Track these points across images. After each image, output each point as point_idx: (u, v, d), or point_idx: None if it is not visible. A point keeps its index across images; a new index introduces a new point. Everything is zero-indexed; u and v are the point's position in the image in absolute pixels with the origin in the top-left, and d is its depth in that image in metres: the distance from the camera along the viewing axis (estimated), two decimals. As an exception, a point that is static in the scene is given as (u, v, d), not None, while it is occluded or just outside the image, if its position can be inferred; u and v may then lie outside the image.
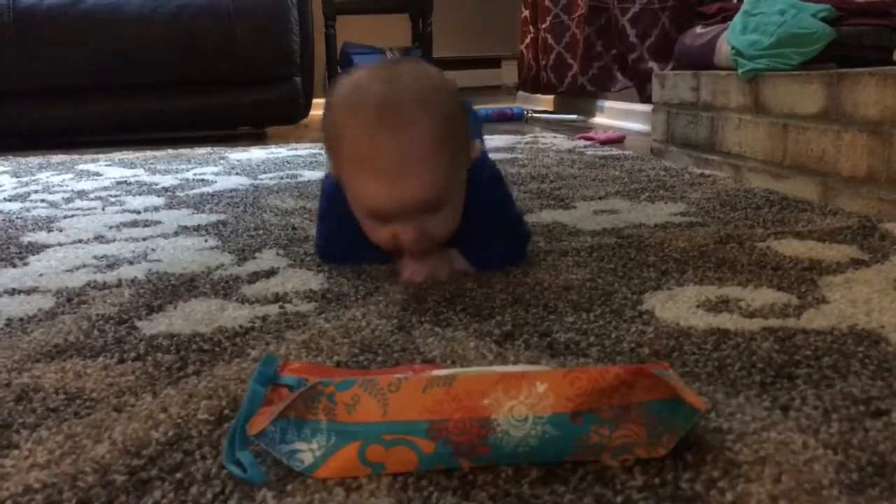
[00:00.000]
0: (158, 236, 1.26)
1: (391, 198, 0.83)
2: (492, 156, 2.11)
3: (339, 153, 0.86)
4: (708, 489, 0.48)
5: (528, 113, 3.53)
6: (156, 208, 1.51)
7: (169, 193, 1.69)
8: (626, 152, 2.11)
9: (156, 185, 1.82)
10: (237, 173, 1.97)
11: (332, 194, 0.98)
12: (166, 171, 2.04)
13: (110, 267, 1.07)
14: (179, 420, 0.59)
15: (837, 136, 1.30)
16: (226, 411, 0.61)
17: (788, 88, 1.44)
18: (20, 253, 1.17)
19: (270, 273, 1.00)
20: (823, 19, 1.42)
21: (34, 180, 1.96)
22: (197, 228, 1.31)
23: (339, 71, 3.47)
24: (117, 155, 2.44)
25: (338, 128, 0.84)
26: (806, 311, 0.79)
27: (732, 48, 1.59)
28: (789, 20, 1.45)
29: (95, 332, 0.80)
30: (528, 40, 3.79)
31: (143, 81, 2.86)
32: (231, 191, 1.70)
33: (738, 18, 1.60)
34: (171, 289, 0.95)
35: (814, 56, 1.43)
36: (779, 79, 1.47)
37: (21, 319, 0.85)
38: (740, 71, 1.55)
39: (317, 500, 0.48)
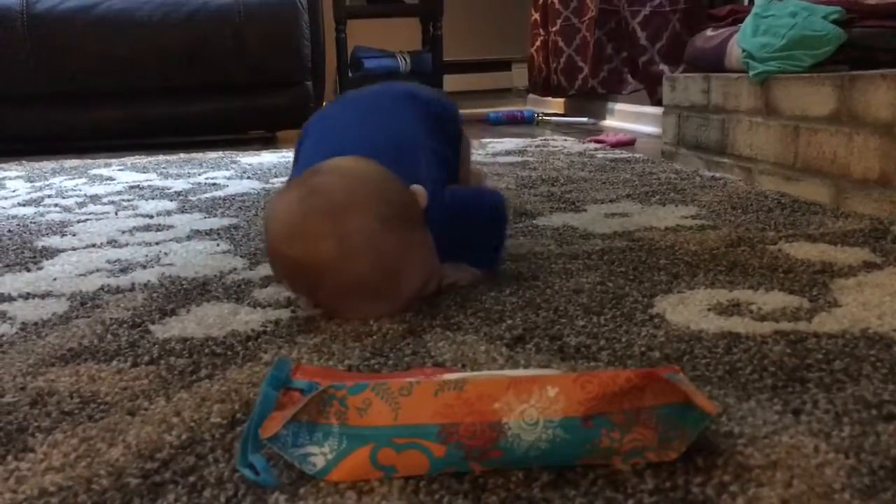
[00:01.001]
0: (171, 240, 1.27)
1: (391, 309, 0.82)
2: (502, 159, 2.12)
3: (306, 282, 0.82)
4: (719, 493, 0.48)
5: (538, 116, 3.53)
6: (168, 212, 1.52)
7: (181, 197, 1.70)
8: (637, 155, 2.10)
9: (168, 189, 1.83)
10: (249, 177, 1.98)
11: None
12: (178, 176, 2.05)
13: (123, 271, 1.08)
14: (192, 424, 0.60)
15: (849, 138, 1.30)
16: (238, 415, 0.61)
17: (800, 91, 1.43)
18: (34, 257, 1.18)
19: (282, 277, 1.01)
20: (834, 21, 1.41)
21: (48, 185, 1.97)
22: (209, 232, 1.32)
23: (350, 75, 3.49)
24: (130, 159, 2.46)
25: (300, 277, 0.81)
26: (817, 314, 0.79)
27: (743, 50, 1.59)
28: (800, 22, 1.45)
29: (109, 336, 0.81)
30: (538, 43, 3.79)
31: (155, 86, 2.88)
32: (243, 195, 1.70)
33: (748, 21, 1.60)
34: (183, 293, 0.96)
35: (825, 58, 1.42)
36: (790, 81, 1.47)
37: (36, 324, 0.86)
38: (751, 73, 1.55)
39: (329, 504, 0.49)
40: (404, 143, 0.96)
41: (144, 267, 1.10)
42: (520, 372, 0.63)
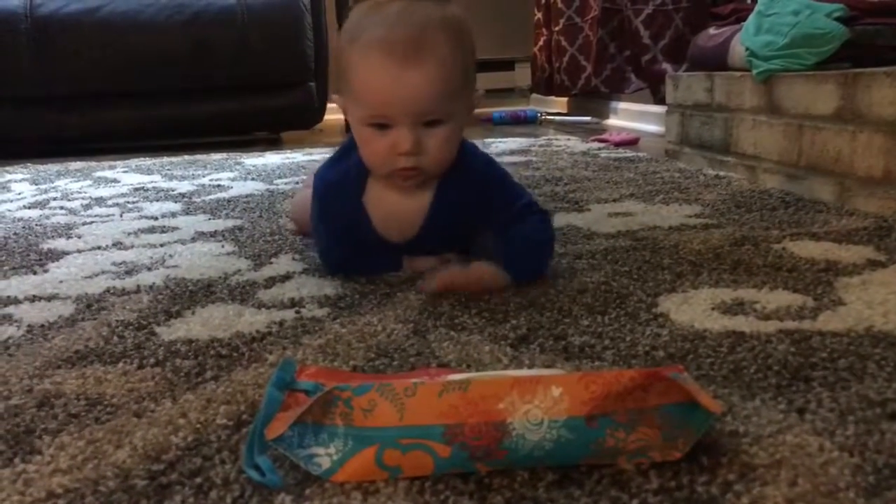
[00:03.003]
0: (176, 242, 1.27)
1: (398, 85, 0.85)
2: (506, 158, 2.13)
3: (351, 57, 0.88)
4: (723, 492, 0.48)
5: (541, 115, 3.53)
6: (173, 214, 1.53)
7: (186, 199, 1.70)
8: (641, 154, 2.10)
9: (172, 191, 1.83)
10: (253, 179, 1.98)
11: (325, 194, 0.99)
12: (183, 177, 2.06)
13: (129, 273, 1.08)
14: (198, 425, 0.60)
15: (853, 136, 1.30)
16: (244, 416, 0.61)
17: (803, 89, 1.43)
18: (40, 260, 1.18)
19: (286, 278, 1.01)
20: (838, 19, 1.41)
21: (53, 187, 1.98)
22: (214, 234, 1.32)
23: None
24: (134, 161, 2.47)
25: (352, 31, 0.88)
26: (822, 313, 0.79)
27: (746, 49, 1.59)
28: (803, 20, 1.45)
29: (115, 339, 0.81)
30: (541, 43, 3.79)
31: (159, 88, 2.89)
32: (247, 196, 1.71)
33: (751, 19, 1.60)
34: (188, 294, 0.96)
35: (828, 56, 1.42)
36: (793, 79, 1.46)
37: (42, 326, 0.86)
38: (754, 72, 1.55)
39: (335, 504, 0.49)
40: None
41: (150, 269, 1.10)
42: (524, 372, 0.63)
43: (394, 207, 0.96)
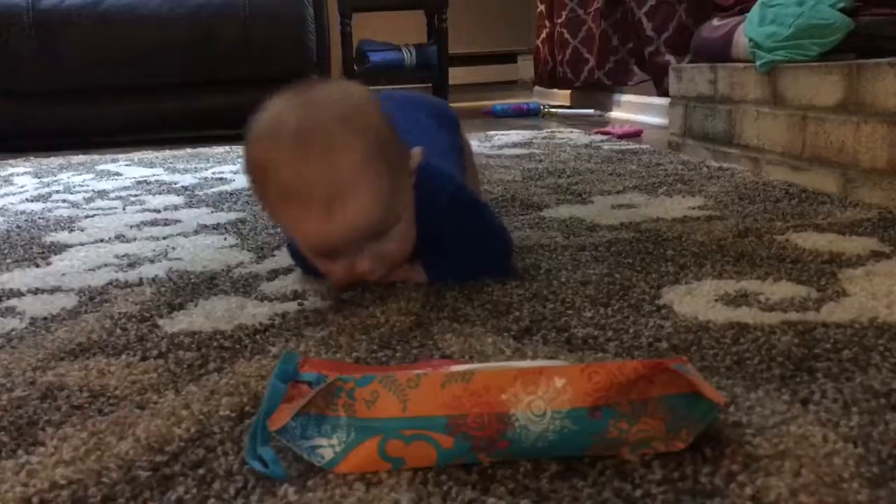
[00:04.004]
0: (178, 235, 1.27)
1: (329, 231, 0.77)
2: (508, 151, 2.12)
3: (265, 193, 0.80)
4: (727, 483, 0.48)
5: (544, 108, 3.52)
6: (175, 207, 1.53)
7: (188, 192, 1.70)
8: (644, 146, 2.10)
9: (175, 184, 1.83)
10: (255, 172, 1.98)
11: (291, 252, 0.98)
12: (185, 170, 2.06)
13: (131, 266, 1.08)
14: (201, 417, 0.60)
15: (857, 127, 1.29)
16: (247, 408, 0.61)
17: (807, 80, 1.43)
18: (43, 253, 1.18)
19: (289, 270, 1.01)
20: (842, 10, 1.40)
21: (55, 181, 1.98)
22: (216, 227, 1.32)
23: (356, 68, 3.48)
24: (137, 155, 2.46)
25: (259, 165, 0.79)
26: (826, 304, 0.79)
27: (750, 40, 1.58)
28: (807, 11, 1.44)
29: (118, 331, 0.81)
30: (543, 35, 3.78)
31: (161, 81, 2.88)
32: (249, 189, 1.70)
33: (755, 10, 1.59)
34: (191, 287, 0.96)
35: (832, 47, 1.42)
36: (797, 70, 1.46)
37: (45, 318, 0.86)
38: (758, 63, 1.54)
39: (337, 495, 0.49)
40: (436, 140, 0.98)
41: (152, 261, 1.10)
42: (527, 363, 0.63)
43: None
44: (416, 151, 0.86)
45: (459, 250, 0.90)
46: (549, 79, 3.78)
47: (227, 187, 1.75)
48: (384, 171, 0.78)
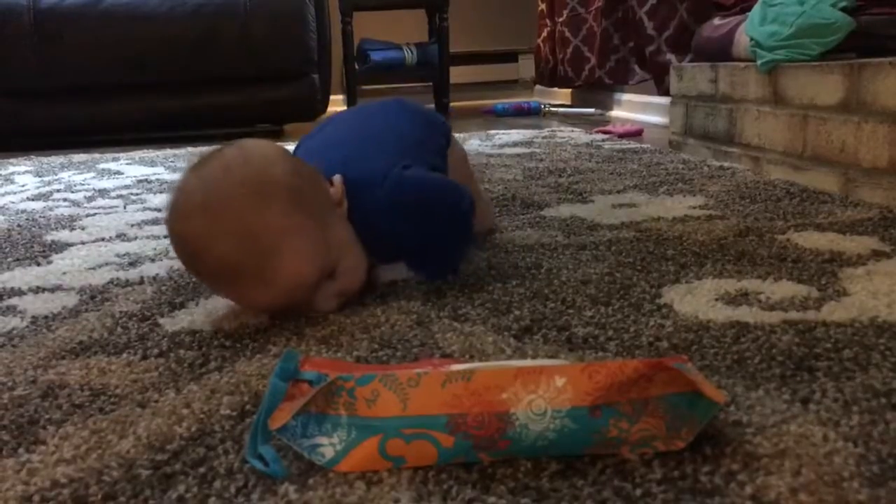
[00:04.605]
0: (179, 234, 1.27)
1: (271, 298, 0.77)
2: (509, 150, 2.12)
3: (197, 275, 0.81)
4: (727, 482, 0.48)
5: (545, 107, 3.52)
6: (176, 206, 1.53)
7: (189, 191, 1.70)
8: (645, 145, 2.10)
9: (176, 182, 1.83)
10: (256, 170, 1.98)
11: None
12: (186, 169, 2.06)
13: (132, 264, 1.08)
14: (202, 415, 0.60)
15: (858, 126, 1.29)
16: (247, 406, 0.61)
17: (808, 79, 1.43)
18: (44, 251, 1.19)
19: (290, 269, 1.01)
20: (843, 9, 1.40)
21: (56, 179, 1.98)
22: (217, 226, 1.32)
23: (357, 67, 3.48)
24: (138, 153, 2.47)
25: (181, 251, 0.78)
26: (826, 303, 0.79)
27: (751, 39, 1.58)
28: (808, 10, 1.44)
29: (119, 330, 0.81)
30: (544, 34, 3.78)
31: (163, 80, 2.89)
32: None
33: (756, 9, 1.59)
34: (192, 286, 0.96)
35: (834, 46, 1.42)
36: (798, 70, 1.46)
37: (46, 317, 0.87)
38: (759, 62, 1.54)
39: (338, 494, 0.49)
40: (383, 134, 0.96)
41: (153, 260, 1.10)
42: (527, 362, 0.63)
43: None
44: (336, 180, 0.86)
45: (428, 229, 0.87)
46: (549, 78, 3.77)
47: (227, 186, 1.75)
48: (304, 221, 0.77)
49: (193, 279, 0.98)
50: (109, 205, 1.58)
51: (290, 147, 0.97)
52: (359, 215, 0.86)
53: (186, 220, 0.76)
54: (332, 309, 0.82)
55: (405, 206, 0.86)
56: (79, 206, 1.58)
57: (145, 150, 2.53)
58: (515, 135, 2.54)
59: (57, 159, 2.40)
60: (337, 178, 0.86)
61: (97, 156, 2.47)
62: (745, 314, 0.77)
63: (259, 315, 0.82)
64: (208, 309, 0.87)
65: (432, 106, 3.57)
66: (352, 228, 0.85)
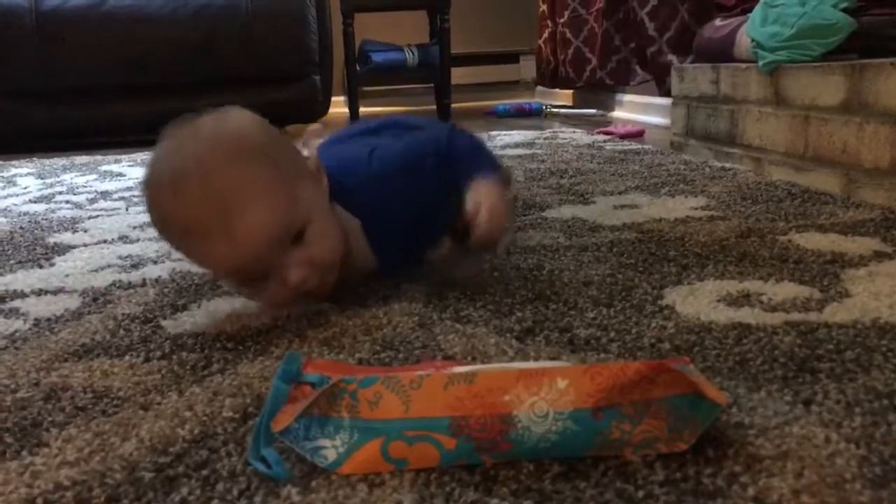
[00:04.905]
0: (181, 236, 1.27)
1: (237, 252, 0.74)
2: (510, 151, 2.12)
3: (168, 237, 0.79)
4: (730, 484, 0.48)
5: (546, 108, 3.52)
6: (178, 208, 1.53)
7: (191, 193, 1.70)
8: (646, 146, 2.10)
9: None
10: (258, 172, 1.98)
11: None
12: (188, 171, 2.06)
13: (135, 267, 1.08)
14: (205, 418, 0.60)
15: (859, 127, 1.29)
16: (250, 409, 0.61)
17: (809, 80, 1.43)
18: (46, 254, 1.19)
19: (292, 271, 1.01)
20: (844, 10, 1.40)
21: (58, 181, 1.98)
22: (219, 228, 1.32)
23: (358, 68, 3.48)
24: (140, 155, 2.47)
25: (153, 210, 0.78)
26: (828, 304, 0.79)
27: (752, 40, 1.58)
28: (810, 11, 1.44)
29: (121, 332, 0.81)
30: (546, 35, 3.78)
31: (165, 82, 2.89)
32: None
33: (757, 10, 1.59)
34: (194, 288, 0.96)
35: (835, 47, 1.42)
36: (800, 70, 1.46)
37: (48, 319, 0.87)
38: (760, 63, 1.54)
39: (340, 496, 0.49)
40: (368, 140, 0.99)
41: (155, 262, 1.10)
42: (530, 364, 0.63)
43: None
44: (312, 154, 0.87)
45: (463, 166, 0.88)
46: (551, 79, 3.78)
47: (229, 188, 1.75)
48: (270, 176, 0.77)
49: (195, 281, 0.99)
50: (111, 207, 1.58)
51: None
52: (346, 196, 0.86)
53: (158, 183, 0.76)
54: (304, 280, 0.78)
55: (381, 186, 0.87)
56: (81, 208, 1.59)
57: (147, 152, 2.52)
58: (517, 136, 2.54)
59: (59, 161, 2.41)
60: (312, 152, 0.87)
61: (99, 157, 2.47)
62: (747, 315, 0.77)
63: (234, 285, 0.82)
64: (210, 311, 0.87)
65: (433, 107, 3.58)
66: (329, 203, 0.85)
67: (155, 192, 0.77)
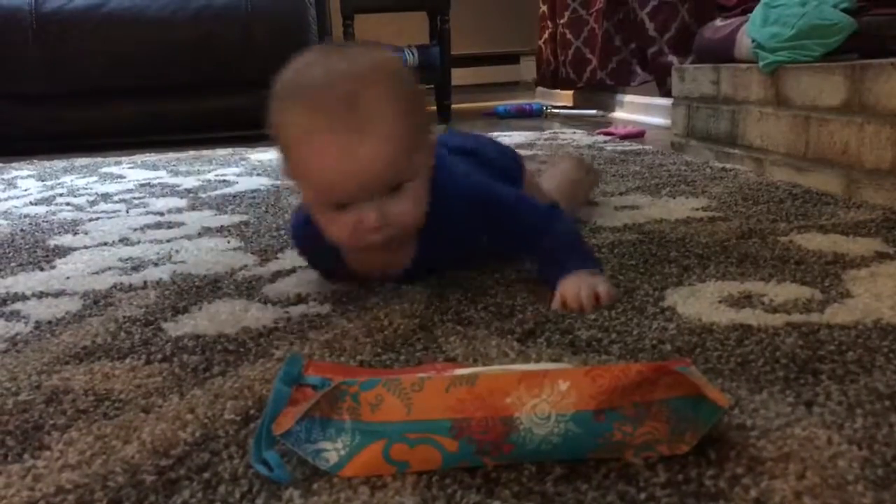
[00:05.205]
0: (182, 238, 1.27)
1: (348, 168, 0.76)
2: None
3: (287, 138, 0.80)
4: (732, 486, 0.48)
5: (547, 109, 3.52)
6: (179, 210, 1.53)
7: (192, 195, 1.70)
8: (647, 147, 2.10)
9: (178, 186, 1.84)
10: (258, 174, 1.99)
11: (302, 243, 0.97)
12: (188, 173, 2.06)
13: (136, 269, 1.08)
14: (206, 420, 0.60)
15: (860, 128, 1.29)
16: (252, 411, 0.61)
17: (810, 80, 1.43)
18: (47, 256, 1.19)
19: (292, 272, 1.01)
20: (845, 10, 1.40)
21: (59, 183, 1.98)
22: (220, 229, 1.32)
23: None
24: (140, 157, 2.47)
25: (284, 110, 0.80)
26: (830, 305, 0.79)
27: (753, 41, 1.58)
28: (810, 11, 1.44)
29: (122, 334, 0.81)
30: (546, 36, 3.78)
31: (164, 84, 2.89)
32: (253, 191, 1.71)
33: (758, 10, 1.59)
34: (195, 290, 0.96)
35: (835, 47, 1.41)
36: (800, 71, 1.46)
37: (49, 322, 0.87)
38: (761, 64, 1.54)
39: (342, 499, 0.49)
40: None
41: (156, 265, 1.10)
42: (531, 366, 0.63)
43: (375, 261, 0.90)
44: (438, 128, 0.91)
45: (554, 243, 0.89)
46: (551, 79, 3.77)
47: (230, 190, 1.75)
48: (406, 120, 0.79)
49: (196, 283, 0.99)
50: (112, 209, 1.58)
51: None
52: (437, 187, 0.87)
53: (302, 79, 0.80)
54: (377, 229, 0.79)
55: (476, 203, 0.89)
56: (81, 210, 1.59)
57: (147, 154, 2.53)
58: (517, 136, 2.53)
59: (59, 163, 2.41)
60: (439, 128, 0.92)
61: (99, 160, 2.47)
62: (749, 317, 0.77)
63: (319, 206, 0.82)
64: (211, 313, 0.87)
65: (433, 108, 3.57)
66: (430, 170, 0.86)
67: (297, 84, 0.80)
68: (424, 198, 0.84)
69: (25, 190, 1.91)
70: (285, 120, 0.80)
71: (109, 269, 1.10)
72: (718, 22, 1.86)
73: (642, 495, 0.48)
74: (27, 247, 1.26)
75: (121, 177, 2.06)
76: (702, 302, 0.82)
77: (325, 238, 0.85)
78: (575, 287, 0.82)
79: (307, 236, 0.91)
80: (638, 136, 2.44)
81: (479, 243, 0.92)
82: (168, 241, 1.26)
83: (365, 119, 0.76)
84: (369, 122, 0.76)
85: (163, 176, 2.03)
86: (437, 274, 0.94)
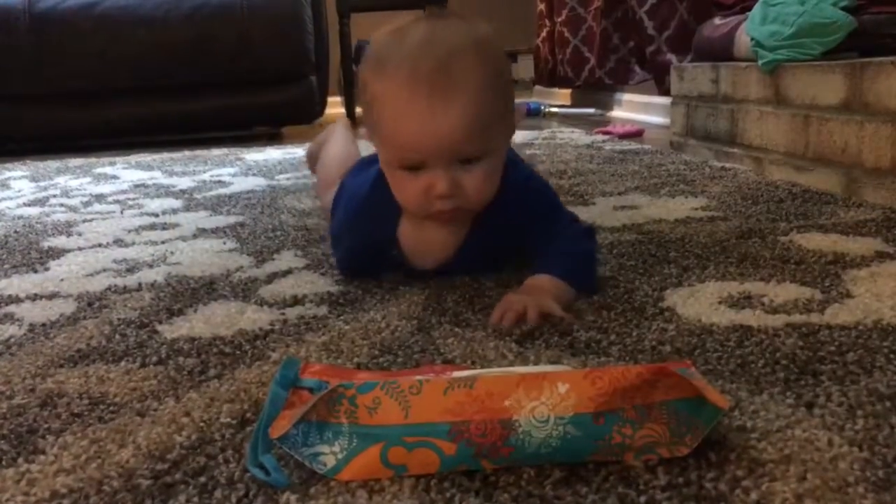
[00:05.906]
0: (177, 239, 1.27)
1: (431, 128, 0.78)
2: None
3: (374, 96, 0.82)
4: (732, 488, 0.48)
5: (545, 108, 3.51)
6: (174, 211, 1.52)
7: (186, 196, 1.69)
8: (645, 146, 2.09)
9: (173, 187, 1.83)
10: (254, 174, 1.98)
11: (357, 212, 0.94)
12: (183, 173, 2.05)
13: (130, 271, 1.08)
14: (202, 424, 0.60)
15: (860, 126, 1.29)
16: (248, 414, 0.61)
17: (810, 79, 1.42)
18: (41, 258, 1.18)
19: (288, 274, 1.01)
20: (844, 8, 1.40)
21: (52, 184, 1.98)
22: (215, 230, 1.31)
23: (354, 69, 3.47)
24: (134, 157, 2.46)
25: (376, 69, 0.81)
26: (830, 305, 0.78)
27: (752, 39, 1.58)
28: (809, 10, 1.44)
29: (117, 337, 0.81)
30: (544, 34, 3.77)
31: (159, 83, 2.88)
32: (248, 192, 1.70)
33: (757, 9, 1.59)
34: (190, 292, 0.95)
35: (835, 46, 1.41)
36: (800, 69, 1.45)
37: (43, 325, 0.86)
38: (760, 62, 1.54)
39: (340, 503, 0.48)
40: None
41: (151, 266, 1.10)
42: (530, 368, 0.63)
43: (429, 237, 0.90)
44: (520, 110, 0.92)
45: (564, 241, 0.90)
46: (549, 78, 3.77)
47: (225, 190, 1.74)
48: (492, 95, 0.81)
49: (191, 285, 0.98)
50: (106, 210, 1.57)
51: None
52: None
53: (402, 40, 0.81)
54: (445, 198, 0.81)
55: (532, 200, 0.92)
56: (75, 211, 1.58)
57: (142, 154, 2.53)
58: (516, 136, 2.53)
59: (53, 164, 2.40)
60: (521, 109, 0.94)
61: (93, 160, 2.46)
62: (749, 317, 0.76)
63: (393, 165, 0.83)
64: (207, 315, 0.86)
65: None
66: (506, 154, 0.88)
67: (395, 44, 0.81)
68: (496, 177, 0.85)
69: (18, 191, 1.90)
70: (376, 78, 0.82)
71: (104, 270, 1.09)
72: (717, 20, 1.86)
73: (642, 498, 0.47)
74: (20, 248, 1.25)
75: (115, 177, 2.05)
76: (701, 302, 0.81)
77: (387, 206, 0.87)
78: (517, 301, 0.79)
79: (369, 203, 0.91)
80: (636, 135, 2.44)
81: (521, 242, 0.92)
82: (163, 242, 1.25)
83: (454, 86, 0.78)
84: (457, 90, 0.78)
85: (157, 176, 2.03)
86: (445, 275, 0.93)
